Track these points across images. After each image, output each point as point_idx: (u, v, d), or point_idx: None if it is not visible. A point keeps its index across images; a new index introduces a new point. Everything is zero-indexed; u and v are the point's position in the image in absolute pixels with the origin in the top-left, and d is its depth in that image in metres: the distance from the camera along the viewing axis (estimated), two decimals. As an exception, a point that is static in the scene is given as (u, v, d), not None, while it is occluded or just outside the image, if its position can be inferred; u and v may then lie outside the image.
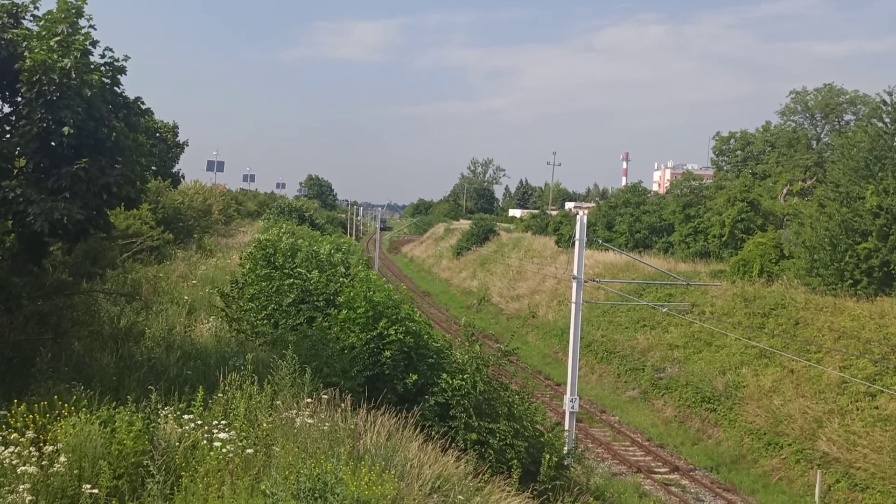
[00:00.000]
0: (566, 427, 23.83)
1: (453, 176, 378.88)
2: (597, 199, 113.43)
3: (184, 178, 47.53)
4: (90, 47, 10.92)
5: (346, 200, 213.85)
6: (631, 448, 31.15)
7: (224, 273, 25.62)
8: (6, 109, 11.11)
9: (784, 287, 36.17)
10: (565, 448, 19.62)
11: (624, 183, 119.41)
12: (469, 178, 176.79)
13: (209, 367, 12.40)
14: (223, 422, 9.69)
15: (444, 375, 15.23)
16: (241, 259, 22.11)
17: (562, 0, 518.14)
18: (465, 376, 15.46)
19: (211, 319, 17.43)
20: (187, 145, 46.87)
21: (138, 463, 8.65)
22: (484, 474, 12.11)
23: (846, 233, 33.66)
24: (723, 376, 33.19)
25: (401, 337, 14.89)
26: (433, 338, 16.93)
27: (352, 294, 15.99)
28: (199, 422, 9.52)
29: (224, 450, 8.80)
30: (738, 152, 76.22)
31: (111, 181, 10.61)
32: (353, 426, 10.50)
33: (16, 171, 10.73)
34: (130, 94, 11.82)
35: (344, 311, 15.50)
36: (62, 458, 8.20)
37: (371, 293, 15.80)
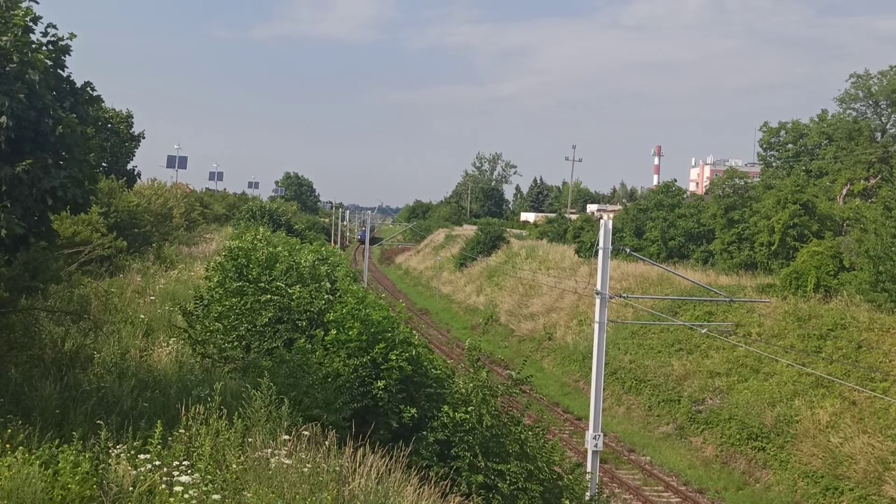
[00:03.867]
0: (588, 468, 23.79)
1: (455, 174, 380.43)
2: (624, 200, 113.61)
3: (140, 177, 47.71)
4: (31, 24, 10.93)
5: (330, 202, 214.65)
6: (665, 493, 31.09)
7: (187, 287, 25.62)
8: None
9: (844, 304, 36.14)
10: (587, 493, 19.57)
11: (655, 182, 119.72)
12: (474, 176, 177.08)
13: (169, 399, 12.38)
14: (185, 462, 9.67)
15: (445, 408, 15.22)
16: (207, 271, 22.11)
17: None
18: (469, 409, 15.45)
19: (171, 342, 17.41)
20: (144, 138, 47.18)
21: (85, 511, 8.63)
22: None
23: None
24: (772, 409, 33.15)
25: (401, 364, 14.90)
26: (433, 364, 16.94)
27: (343, 312, 16.00)
28: (157, 462, 9.49)
29: (186, 496, 8.78)
30: (790, 146, 76.30)
31: (56, 184, 10.59)
32: (337, 468, 10.48)
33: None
34: (76, 79, 11.83)
35: (332, 332, 15.52)
36: (-4, 506, 8.20)
37: (366, 311, 15.81)
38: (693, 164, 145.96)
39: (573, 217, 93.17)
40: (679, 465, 33.88)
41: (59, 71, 11.38)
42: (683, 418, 37.18)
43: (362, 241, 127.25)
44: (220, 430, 10.55)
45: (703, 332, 36.41)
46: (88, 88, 11.88)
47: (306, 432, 11.18)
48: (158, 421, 10.32)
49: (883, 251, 35.29)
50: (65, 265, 18.39)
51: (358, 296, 17.65)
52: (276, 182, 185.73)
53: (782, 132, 76.72)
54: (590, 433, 25.58)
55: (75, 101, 11.53)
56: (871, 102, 71.32)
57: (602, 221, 26.58)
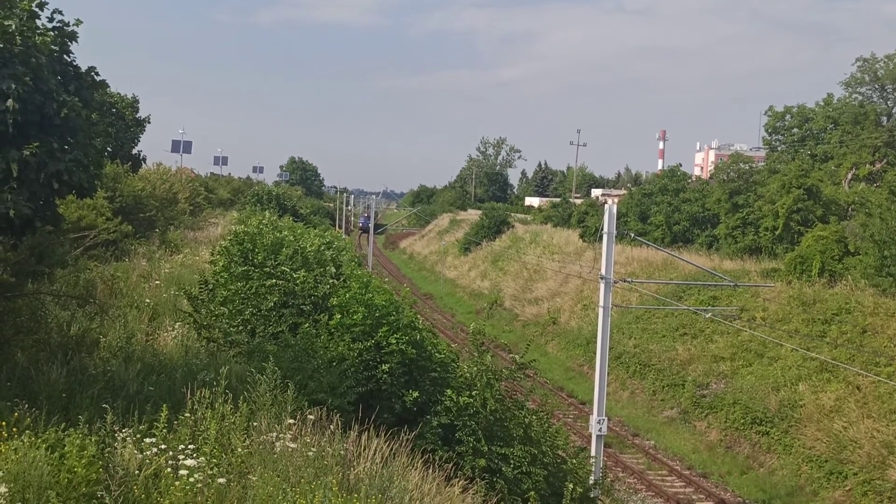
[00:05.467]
0: (593, 453, 23.84)
1: (459, 159, 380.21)
2: (628, 185, 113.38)
3: (145, 162, 47.70)
4: (37, 9, 10.93)
5: (335, 187, 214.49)
6: (669, 478, 31.14)
7: (192, 272, 25.69)
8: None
9: (849, 289, 36.08)
10: (591, 477, 19.60)
11: (660, 166, 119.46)
12: (478, 160, 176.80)
13: (175, 383, 12.42)
14: (191, 446, 9.70)
15: (449, 392, 15.26)
16: (212, 255, 22.13)
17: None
18: (473, 393, 15.48)
19: (177, 326, 17.47)
20: (149, 122, 47.11)
21: (91, 494, 8.65)
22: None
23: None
24: (777, 394, 33.15)
25: (402, 347, 14.92)
26: (437, 348, 16.96)
27: (347, 296, 16.03)
28: (163, 446, 9.53)
29: (192, 479, 8.81)
30: (795, 130, 75.95)
31: (62, 168, 10.61)
32: (342, 451, 10.52)
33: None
34: (81, 64, 11.83)
35: (337, 317, 15.55)
36: (2, 489, 8.21)
37: (370, 296, 15.83)
38: (698, 148, 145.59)
39: (578, 201, 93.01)
40: (683, 449, 33.93)
41: (64, 56, 11.39)
42: (688, 402, 37.22)
43: (364, 230, 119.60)
44: (226, 413, 10.59)
45: (707, 316, 36.39)
46: (93, 73, 11.89)
47: (311, 416, 11.22)
48: (164, 405, 10.35)
49: (888, 235, 35.20)
50: (70, 249, 18.42)
51: (362, 280, 17.66)
52: (281, 167, 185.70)
53: (787, 116, 76.35)
54: (594, 417, 25.63)
55: (79, 86, 11.53)
56: (876, 86, 71.04)
57: (607, 206, 26.54)
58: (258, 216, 25.14)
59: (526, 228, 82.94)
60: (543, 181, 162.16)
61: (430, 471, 11.70)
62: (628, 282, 31.90)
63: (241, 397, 11.03)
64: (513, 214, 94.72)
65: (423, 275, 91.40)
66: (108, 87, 12.86)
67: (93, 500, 8.64)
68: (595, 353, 26.76)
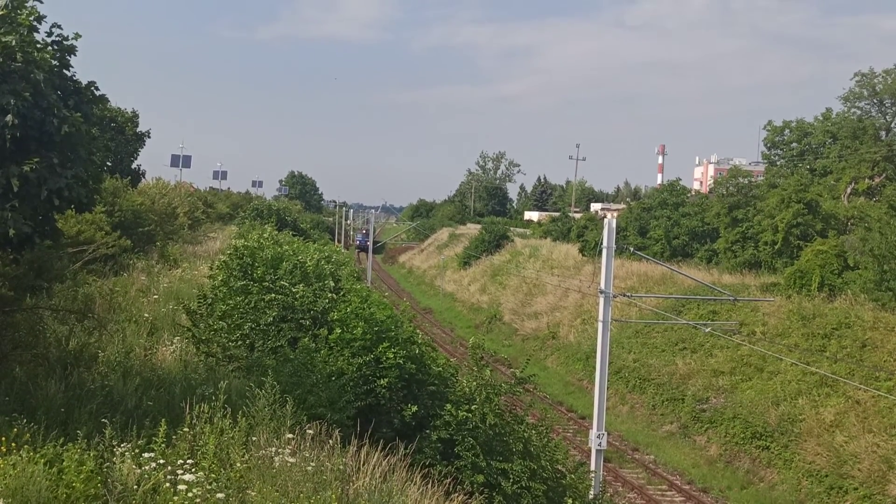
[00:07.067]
0: (592, 467, 23.79)
1: (459, 173, 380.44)
2: (628, 199, 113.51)
3: (144, 176, 47.81)
4: (35, 23, 10.96)
5: (334, 201, 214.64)
6: (669, 492, 31.07)
7: (191, 286, 25.67)
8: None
9: (849, 303, 36.09)
10: (591, 492, 19.57)
11: (659, 181, 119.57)
12: (478, 174, 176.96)
13: (173, 397, 12.41)
14: (189, 461, 9.69)
15: (448, 406, 15.24)
16: (211, 269, 22.12)
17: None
18: (472, 407, 15.46)
19: (175, 341, 17.45)
20: (149, 137, 47.18)
21: (90, 509, 8.66)
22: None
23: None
24: (776, 408, 33.11)
25: (400, 362, 14.92)
26: (436, 362, 16.96)
27: (347, 311, 16.04)
28: (162, 461, 9.52)
29: (190, 494, 8.80)
30: (794, 144, 76.13)
31: (63, 185, 10.62)
32: (341, 466, 10.51)
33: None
34: (81, 78, 11.85)
35: (337, 331, 15.56)
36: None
37: (370, 310, 15.85)
38: (697, 162, 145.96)
39: (577, 216, 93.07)
40: (683, 463, 33.86)
41: (63, 71, 11.41)
42: (687, 417, 37.16)
43: (362, 248, 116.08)
44: (225, 428, 10.58)
45: (706, 330, 36.38)
46: (93, 88, 11.91)
47: (310, 431, 11.21)
48: (163, 420, 10.34)
49: (887, 250, 35.24)
50: (69, 264, 18.41)
51: (362, 295, 17.67)
52: (281, 181, 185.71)
53: (786, 131, 76.55)
54: (593, 432, 25.58)
55: (79, 101, 11.55)
56: (875, 101, 71.33)
57: (606, 220, 26.58)
58: (258, 230, 25.15)
59: (525, 243, 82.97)
60: (543, 195, 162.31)
61: (429, 486, 11.68)
62: (628, 296, 31.94)
63: (240, 412, 11.02)
64: (512, 229, 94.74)
65: (422, 289, 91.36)
66: (109, 101, 12.86)
67: (91, 515, 8.63)
68: (594, 367, 26.73)
